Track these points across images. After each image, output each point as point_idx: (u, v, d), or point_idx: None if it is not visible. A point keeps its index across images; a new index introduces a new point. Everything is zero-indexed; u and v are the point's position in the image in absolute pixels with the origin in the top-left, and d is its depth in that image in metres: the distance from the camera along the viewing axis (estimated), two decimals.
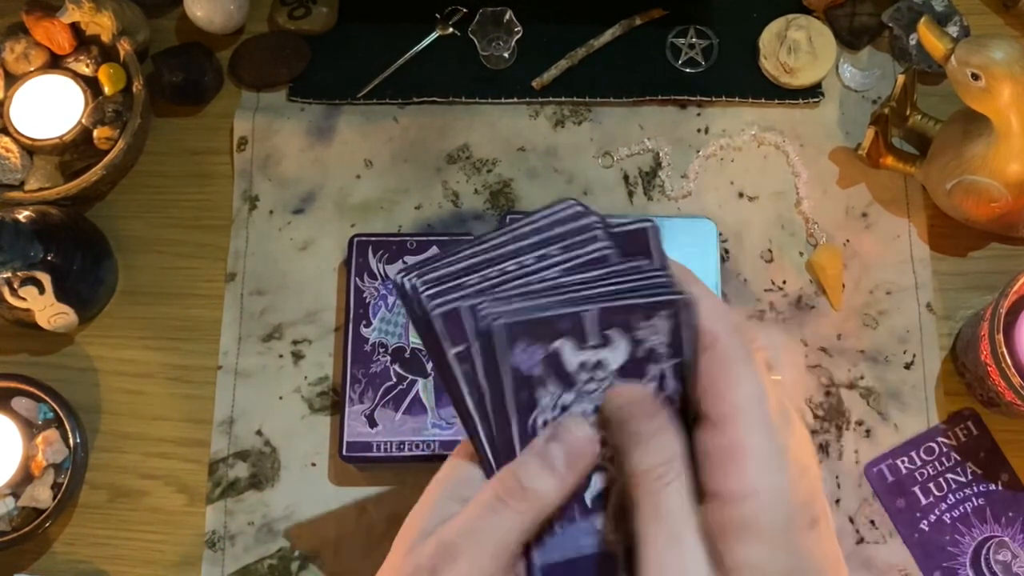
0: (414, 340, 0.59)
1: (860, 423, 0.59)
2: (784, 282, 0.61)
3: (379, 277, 0.61)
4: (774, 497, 0.31)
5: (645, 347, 0.36)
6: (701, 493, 0.33)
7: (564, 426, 0.35)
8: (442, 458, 0.39)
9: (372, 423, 0.58)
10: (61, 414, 0.59)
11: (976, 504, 0.56)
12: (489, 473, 0.37)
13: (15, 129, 0.65)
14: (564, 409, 0.36)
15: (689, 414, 0.36)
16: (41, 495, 0.58)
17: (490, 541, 0.34)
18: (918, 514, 0.57)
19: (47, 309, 0.60)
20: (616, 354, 0.36)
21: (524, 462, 0.35)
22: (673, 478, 0.32)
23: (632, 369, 0.36)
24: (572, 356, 0.35)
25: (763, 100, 0.65)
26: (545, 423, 0.35)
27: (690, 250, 0.60)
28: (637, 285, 0.36)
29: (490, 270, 0.36)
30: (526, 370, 0.35)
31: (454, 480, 0.37)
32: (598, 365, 0.36)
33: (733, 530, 0.31)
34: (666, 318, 0.35)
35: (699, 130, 0.65)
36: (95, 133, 0.65)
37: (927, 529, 0.56)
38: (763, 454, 0.32)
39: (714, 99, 0.65)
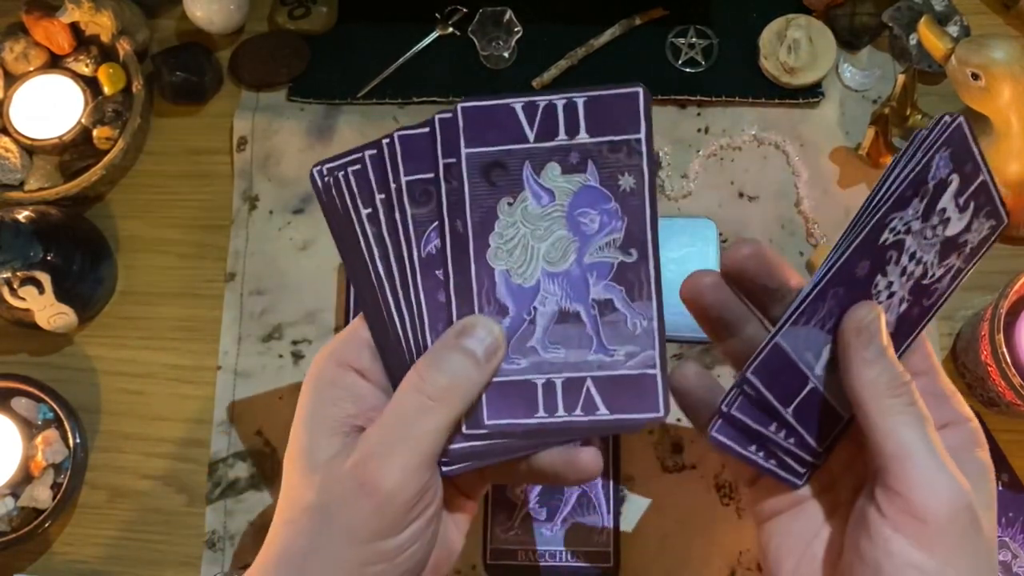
0: None
1: None
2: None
3: None
4: None
5: (965, 237, 0.39)
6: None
7: (471, 321, 0.38)
8: None
9: None
10: (61, 414, 0.59)
11: None
12: (385, 340, 0.39)
13: (15, 129, 0.65)
14: (908, 230, 0.38)
15: (929, 320, 0.39)
16: (41, 495, 0.58)
17: (421, 442, 0.36)
18: None
19: (47, 309, 0.60)
20: (956, 225, 0.39)
21: (445, 358, 0.37)
22: (916, 398, 0.36)
23: (947, 247, 0.39)
24: (949, 196, 0.38)
25: (763, 100, 0.65)
26: (893, 229, 0.37)
27: (690, 250, 0.60)
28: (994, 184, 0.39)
29: None
30: (930, 176, 0.37)
31: (337, 358, 0.39)
32: (945, 221, 0.39)
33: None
34: (988, 228, 0.40)
35: (699, 130, 0.65)
36: (95, 133, 0.65)
37: None
38: None
39: (714, 99, 0.65)
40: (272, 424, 0.61)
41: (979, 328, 0.54)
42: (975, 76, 0.51)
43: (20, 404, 0.60)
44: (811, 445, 0.38)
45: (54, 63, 0.67)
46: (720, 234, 0.62)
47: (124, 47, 0.66)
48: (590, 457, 0.39)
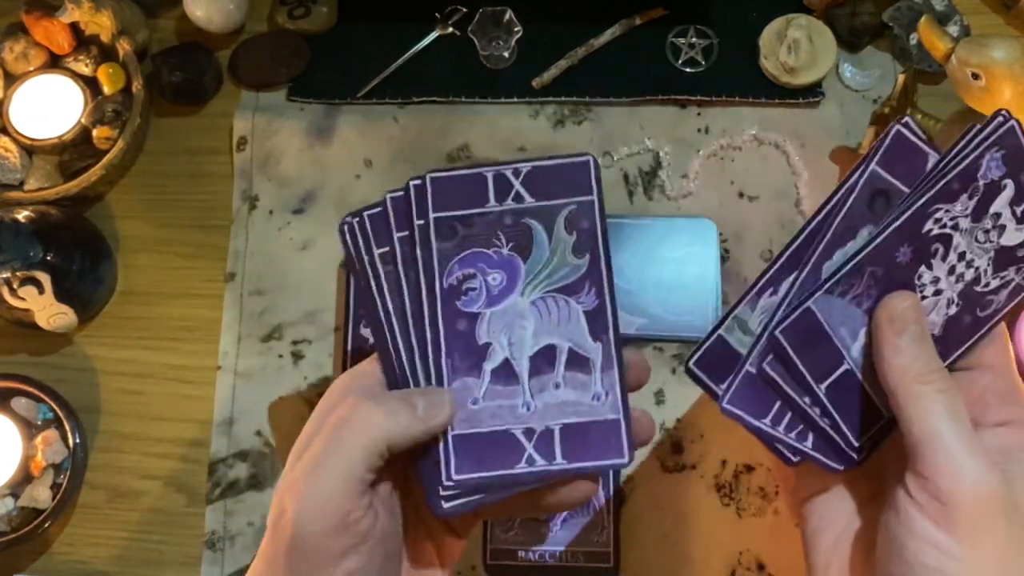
0: None
1: None
2: None
3: None
4: None
5: None
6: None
7: (432, 389, 0.39)
8: None
9: None
10: (60, 414, 0.59)
11: None
12: (392, 374, 0.40)
13: (14, 129, 0.65)
14: (955, 226, 0.38)
15: (986, 333, 0.39)
16: (40, 495, 0.58)
17: (339, 464, 0.36)
18: None
19: (47, 309, 0.60)
20: (1015, 235, 0.39)
21: (386, 397, 0.38)
22: (947, 386, 0.36)
23: (1003, 256, 0.39)
24: (1003, 201, 0.38)
25: (763, 100, 0.65)
26: (938, 220, 0.38)
27: (690, 250, 0.60)
28: None
29: None
30: (980, 175, 0.38)
31: (349, 391, 0.39)
32: (1000, 228, 0.39)
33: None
34: None
35: (699, 130, 0.65)
36: (94, 133, 0.65)
37: None
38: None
39: (714, 99, 0.65)
40: (272, 424, 0.61)
41: None
42: (975, 76, 0.51)
43: (20, 404, 0.60)
44: (847, 434, 0.38)
45: (54, 63, 0.67)
46: (720, 234, 0.62)
47: (124, 47, 0.66)
48: (585, 485, 0.40)
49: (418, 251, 0.40)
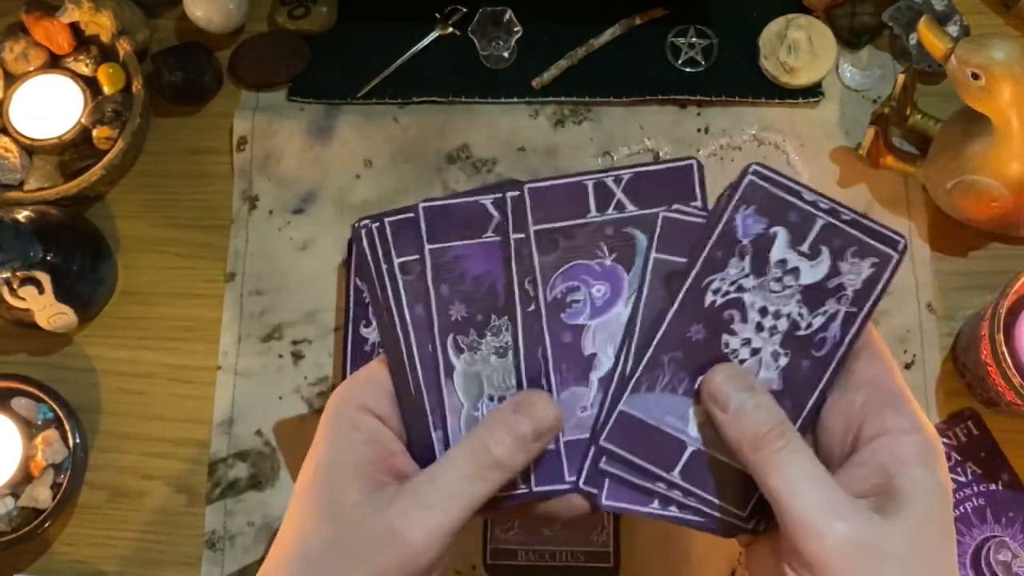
0: None
1: None
2: None
3: None
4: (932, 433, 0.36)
5: (837, 281, 0.38)
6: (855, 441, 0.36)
7: (529, 399, 0.38)
8: None
9: None
10: (61, 414, 0.59)
11: (976, 504, 0.56)
12: (404, 385, 0.40)
13: (14, 129, 0.65)
14: (739, 289, 0.38)
15: (839, 366, 0.38)
16: (41, 495, 0.58)
17: (464, 508, 0.36)
18: None
19: (47, 309, 0.60)
20: (812, 272, 0.38)
21: (496, 437, 0.37)
22: (785, 443, 0.35)
23: (814, 295, 0.39)
24: (781, 248, 0.38)
25: (763, 100, 0.65)
26: (717, 290, 0.38)
27: None
28: (859, 221, 0.39)
29: None
30: (740, 235, 0.38)
31: (359, 401, 0.39)
32: (793, 272, 0.38)
33: (904, 460, 0.34)
34: (870, 266, 0.39)
35: (699, 130, 0.65)
36: (94, 133, 0.65)
37: None
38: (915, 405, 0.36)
39: (714, 99, 0.65)
40: (272, 424, 0.61)
41: (979, 328, 0.54)
42: (975, 76, 0.51)
43: (20, 404, 0.60)
44: (727, 507, 0.38)
45: (54, 63, 0.67)
46: None
47: (124, 47, 0.66)
48: (580, 500, 0.40)
49: (514, 265, 0.40)
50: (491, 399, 0.40)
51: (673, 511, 0.39)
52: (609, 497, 0.39)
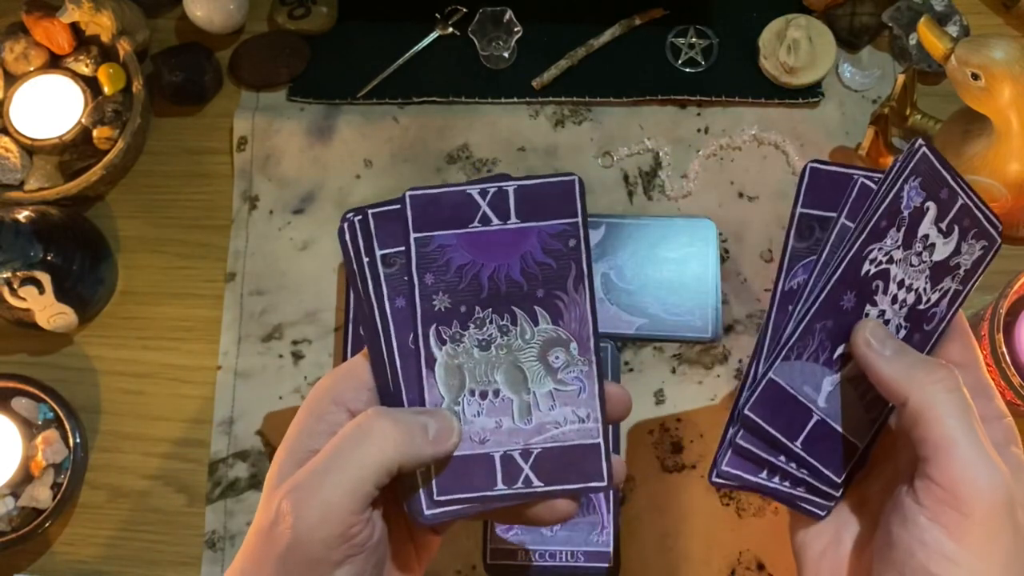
0: None
1: None
2: None
3: None
4: None
5: (957, 260, 0.40)
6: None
7: (440, 412, 0.39)
8: None
9: None
10: (61, 414, 0.59)
11: None
12: (383, 379, 0.40)
13: (15, 129, 0.65)
14: (889, 260, 0.39)
15: (936, 343, 0.40)
16: (41, 495, 0.58)
17: (349, 478, 0.36)
18: None
19: (47, 309, 0.60)
20: (944, 249, 0.40)
21: (400, 415, 0.38)
22: (954, 382, 0.36)
23: (938, 271, 0.40)
24: (928, 223, 0.39)
25: (763, 100, 0.65)
26: (873, 260, 0.39)
27: (690, 250, 0.60)
28: (980, 204, 0.40)
29: None
30: (903, 206, 0.39)
31: (334, 395, 0.39)
32: (930, 248, 0.40)
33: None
34: (980, 248, 0.41)
35: (699, 130, 0.65)
36: (95, 133, 0.65)
37: None
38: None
39: (714, 99, 0.65)
40: (272, 424, 0.61)
41: (979, 328, 0.54)
42: (975, 76, 0.51)
43: (20, 404, 0.60)
44: (829, 477, 0.39)
45: (54, 63, 0.67)
46: (720, 234, 0.62)
47: (124, 47, 0.66)
48: (566, 505, 0.40)
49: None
50: (472, 393, 0.40)
51: (781, 484, 0.40)
52: (729, 464, 0.39)
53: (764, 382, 0.38)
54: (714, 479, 0.40)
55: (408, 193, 0.40)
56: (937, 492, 0.34)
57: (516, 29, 0.64)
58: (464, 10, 0.68)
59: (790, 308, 0.40)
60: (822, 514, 0.40)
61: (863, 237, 0.38)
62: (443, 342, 0.40)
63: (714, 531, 0.57)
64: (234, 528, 0.59)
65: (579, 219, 0.40)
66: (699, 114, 0.65)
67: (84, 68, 0.67)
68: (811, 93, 0.65)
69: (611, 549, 0.56)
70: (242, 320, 0.63)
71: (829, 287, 0.38)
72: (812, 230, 0.41)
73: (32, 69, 0.67)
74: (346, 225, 0.41)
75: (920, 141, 0.39)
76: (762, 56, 0.65)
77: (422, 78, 0.67)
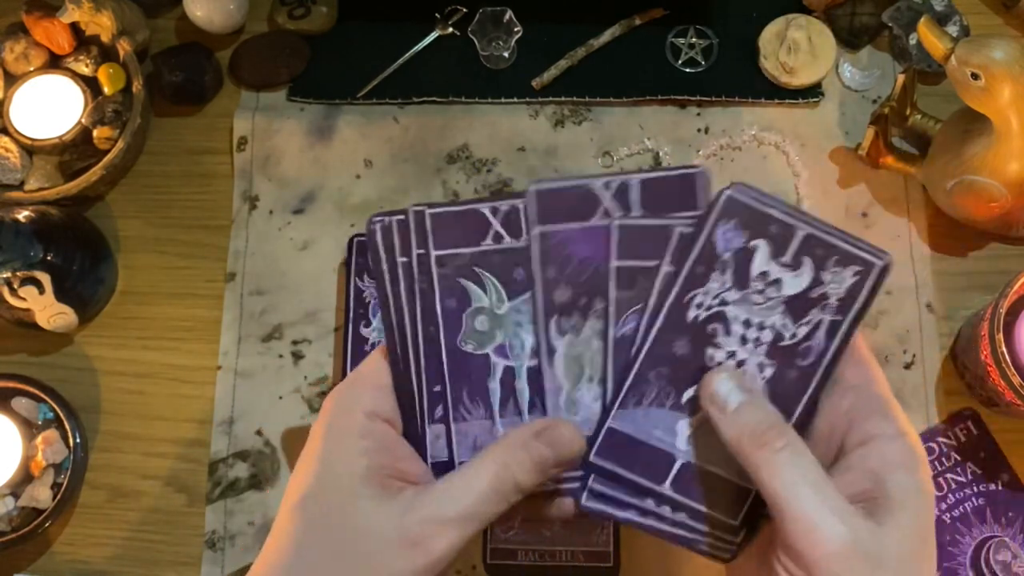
0: None
1: None
2: None
3: None
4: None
5: (820, 291, 0.39)
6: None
7: (555, 426, 0.38)
8: None
9: None
10: (61, 414, 0.59)
11: (976, 504, 0.56)
12: (405, 386, 0.40)
13: (15, 129, 0.65)
14: (722, 302, 0.38)
15: (826, 376, 0.39)
16: (41, 495, 0.58)
17: (480, 525, 0.37)
18: None
19: (47, 309, 0.60)
20: (795, 283, 0.39)
21: (518, 461, 0.37)
22: (786, 442, 0.35)
23: (798, 305, 0.39)
24: (762, 260, 0.39)
25: (763, 100, 0.65)
26: (700, 304, 0.38)
27: None
28: (840, 233, 0.39)
29: None
30: (721, 250, 0.38)
31: (364, 406, 0.39)
32: (775, 283, 0.39)
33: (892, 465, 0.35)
34: (853, 275, 0.39)
35: (699, 130, 0.65)
36: (95, 133, 0.65)
37: None
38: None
39: (714, 99, 0.65)
40: (272, 424, 0.61)
41: (979, 328, 0.54)
42: (975, 76, 0.51)
43: (20, 404, 0.60)
44: (717, 518, 0.39)
45: (54, 63, 0.67)
46: None
47: (124, 47, 0.66)
48: (570, 503, 0.40)
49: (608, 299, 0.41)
50: (591, 380, 0.40)
51: (659, 524, 0.39)
52: (588, 502, 0.40)
53: (604, 431, 0.39)
54: (583, 504, 0.40)
55: (534, 188, 0.40)
56: (789, 553, 0.33)
57: (516, 29, 0.64)
58: (464, 10, 0.68)
59: (626, 355, 0.40)
60: (727, 556, 0.39)
61: (679, 285, 0.38)
62: (563, 333, 0.40)
63: None
64: (234, 528, 0.59)
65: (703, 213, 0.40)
66: (699, 114, 0.65)
67: (84, 68, 0.67)
68: (811, 93, 0.65)
69: (611, 549, 0.56)
70: (242, 320, 0.63)
71: (652, 336, 0.38)
72: (635, 280, 0.40)
73: (32, 69, 0.67)
74: (379, 226, 0.41)
75: (726, 187, 0.39)
76: (762, 56, 0.65)
77: (422, 78, 0.67)
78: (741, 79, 0.65)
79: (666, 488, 0.39)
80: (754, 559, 0.38)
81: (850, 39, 0.66)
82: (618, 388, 0.39)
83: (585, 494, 0.40)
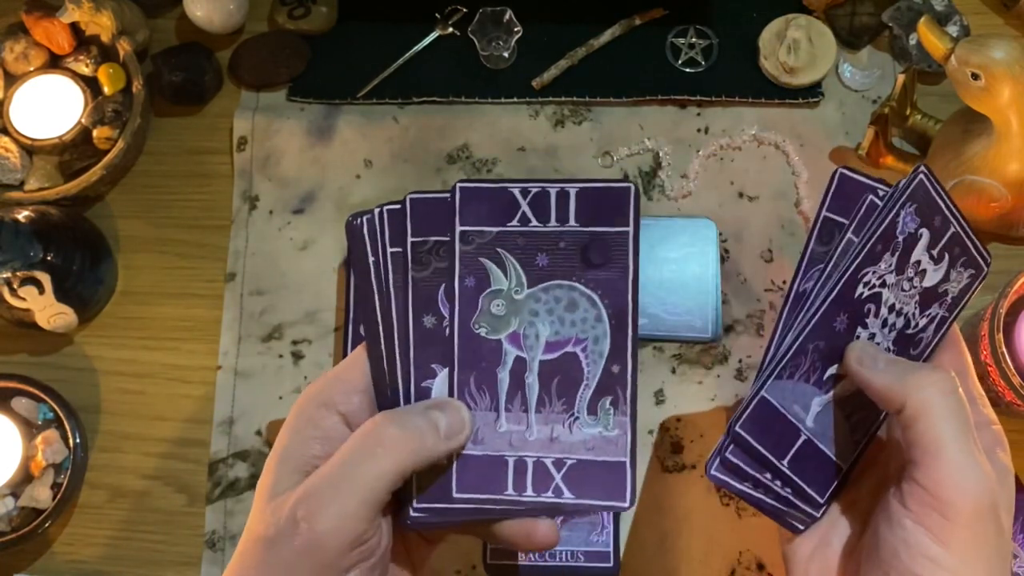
0: None
1: None
2: (784, 282, 0.61)
3: None
4: None
5: (945, 287, 0.41)
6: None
7: (451, 404, 0.39)
8: None
9: None
10: (61, 414, 0.59)
11: None
12: (382, 382, 0.40)
13: (15, 129, 0.65)
14: (882, 284, 0.40)
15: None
16: (41, 495, 0.58)
17: (361, 488, 0.36)
18: None
19: (47, 309, 0.60)
20: (934, 276, 0.41)
21: (407, 417, 0.38)
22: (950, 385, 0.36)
23: (927, 297, 0.41)
24: (921, 249, 0.40)
25: (763, 100, 0.65)
26: (867, 283, 0.39)
27: (690, 250, 0.60)
28: (973, 236, 0.41)
29: None
30: (899, 231, 0.39)
31: (324, 398, 0.39)
32: (922, 273, 0.40)
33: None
34: (968, 277, 0.42)
35: (699, 130, 0.65)
36: (95, 133, 0.65)
37: None
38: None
39: (714, 99, 0.65)
40: (274, 431, 0.61)
41: (979, 328, 0.54)
42: (975, 76, 0.51)
43: (20, 404, 0.60)
44: (812, 496, 0.40)
45: (54, 63, 0.67)
46: (720, 234, 0.62)
47: (124, 47, 0.66)
48: (547, 530, 0.40)
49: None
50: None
51: (765, 496, 0.40)
52: (717, 471, 0.40)
53: (756, 400, 0.39)
54: (711, 473, 0.40)
55: (460, 185, 0.41)
56: (922, 495, 0.35)
57: (516, 29, 0.64)
58: (464, 10, 0.68)
59: (797, 313, 0.40)
60: (801, 528, 0.40)
61: (859, 260, 0.39)
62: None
63: (714, 531, 0.57)
64: (234, 528, 0.59)
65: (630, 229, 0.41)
66: (699, 114, 0.65)
67: (84, 68, 0.67)
68: (811, 93, 0.65)
69: (611, 549, 0.56)
70: (242, 320, 0.63)
71: (824, 307, 0.39)
72: (832, 236, 0.41)
73: (32, 69, 0.67)
74: (364, 219, 0.41)
75: (922, 167, 0.40)
76: (762, 56, 0.65)
77: (422, 78, 0.67)
78: (741, 79, 0.65)
79: (784, 463, 0.39)
80: (865, 496, 0.40)
81: (850, 39, 0.66)
82: (781, 356, 0.39)
83: (716, 463, 0.40)
